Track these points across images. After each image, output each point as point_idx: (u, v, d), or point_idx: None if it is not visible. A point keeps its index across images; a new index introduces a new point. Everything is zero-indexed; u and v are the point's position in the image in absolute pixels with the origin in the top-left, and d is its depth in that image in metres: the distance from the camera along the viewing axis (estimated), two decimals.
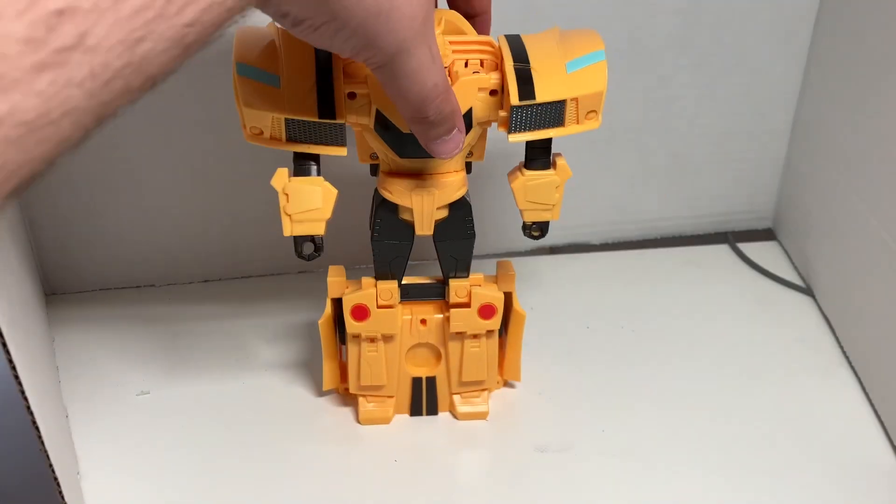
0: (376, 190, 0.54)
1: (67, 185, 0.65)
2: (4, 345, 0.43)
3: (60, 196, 0.66)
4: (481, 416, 0.61)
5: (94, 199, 0.67)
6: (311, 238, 0.52)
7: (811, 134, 0.72)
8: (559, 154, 0.53)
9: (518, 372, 0.62)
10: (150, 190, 0.67)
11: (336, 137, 0.49)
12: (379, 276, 0.56)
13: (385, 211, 0.54)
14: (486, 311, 0.57)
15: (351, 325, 0.56)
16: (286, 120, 0.48)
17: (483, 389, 0.61)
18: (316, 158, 0.50)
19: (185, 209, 0.68)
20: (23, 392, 0.45)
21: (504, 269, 0.58)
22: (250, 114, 0.48)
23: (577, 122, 0.51)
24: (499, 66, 0.51)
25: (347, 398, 0.62)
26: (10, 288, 0.50)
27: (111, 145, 0.65)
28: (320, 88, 0.48)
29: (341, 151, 0.49)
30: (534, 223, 0.55)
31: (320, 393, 0.62)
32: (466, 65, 0.51)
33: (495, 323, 0.58)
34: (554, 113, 0.50)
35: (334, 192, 0.51)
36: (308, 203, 0.50)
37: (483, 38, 0.51)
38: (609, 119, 0.71)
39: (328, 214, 0.51)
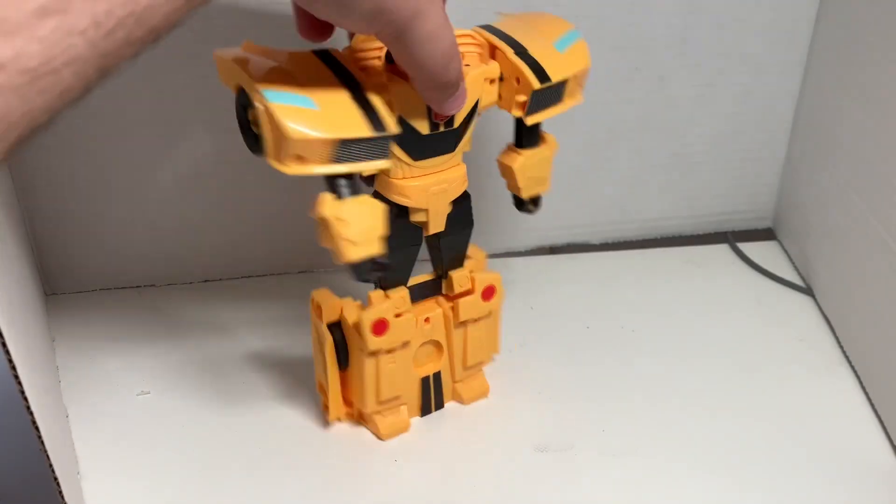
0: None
1: (68, 185, 0.65)
2: (4, 345, 0.43)
3: (61, 196, 0.66)
4: (485, 392, 0.62)
5: (95, 199, 0.67)
6: (372, 258, 0.49)
7: (811, 133, 0.72)
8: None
9: (497, 345, 0.63)
10: (151, 190, 0.67)
11: (384, 150, 0.47)
12: (388, 286, 0.55)
13: (397, 218, 0.52)
14: (488, 293, 0.58)
15: (372, 342, 0.54)
16: (340, 141, 0.45)
17: (479, 369, 0.62)
18: (352, 177, 0.48)
19: (186, 209, 0.68)
20: (23, 392, 0.45)
21: (475, 251, 0.59)
22: (298, 142, 0.44)
23: (571, 97, 0.54)
24: (492, 56, 0.52)
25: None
26: (9, 288, 0.50)
27: (112, 145, 0.65)
28: (360, 102, 0.46)
29: (387, 164, 0.48)
30: (530, 198, 0.57)
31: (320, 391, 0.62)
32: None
33: (496, 302, 0.59)
34: (558, 92, 0.53)
35: (382, 206, 0.49)
36: (365, 223, 0.48)
37: (465, 31, 0.52)
38: (609, 119, 0.72)
39: (383, 230, 0.49)
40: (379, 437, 0.59)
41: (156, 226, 0.69)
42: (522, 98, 0.51)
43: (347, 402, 0.59)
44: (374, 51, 0.50)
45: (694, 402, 0.63)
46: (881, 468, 0.59)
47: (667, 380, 0.65)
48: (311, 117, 0.44)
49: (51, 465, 0.48)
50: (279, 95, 0.44)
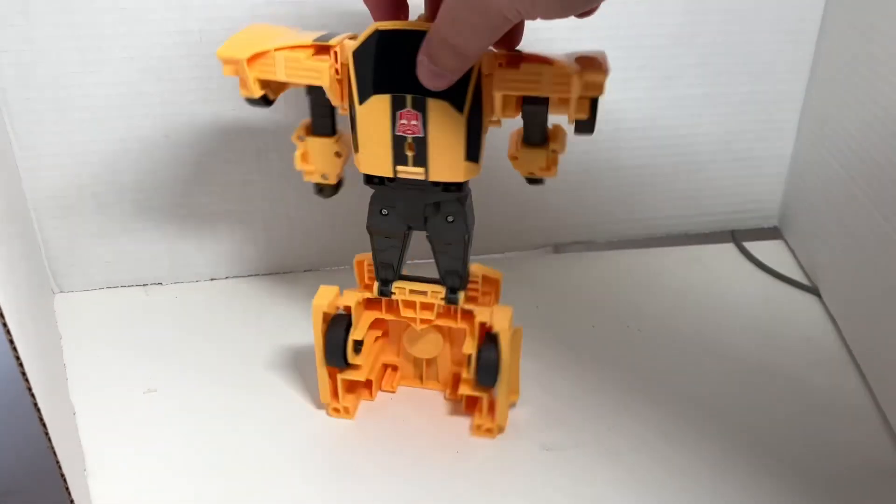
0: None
1: (75, 183, 0.66)
2: (12, 342, 0.43)
3: (68, 194, 0.66)
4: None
5: (102, 197, 0.67)
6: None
7: (817, 132, 0.72)
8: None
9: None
10: (158, 188, 0.67)
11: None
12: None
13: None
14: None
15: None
16: None
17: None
18: None
19: (192, 207, 0.69)
20: (30, 389, 0.45)
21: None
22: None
23: None
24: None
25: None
26: (17, 286, 0.50)
27: (119, 144, 0.65)
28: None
29: None
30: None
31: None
32: None
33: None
34: None
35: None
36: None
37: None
38: (615, 117, 0.72)
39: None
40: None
41: (162, 224, 0.69)
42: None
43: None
44: None
45: (699, 400, 0.63)
46: (886, 467, 0.59)
47: (672, 378, 0.65)
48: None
49: (58, 462, 0.48)
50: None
